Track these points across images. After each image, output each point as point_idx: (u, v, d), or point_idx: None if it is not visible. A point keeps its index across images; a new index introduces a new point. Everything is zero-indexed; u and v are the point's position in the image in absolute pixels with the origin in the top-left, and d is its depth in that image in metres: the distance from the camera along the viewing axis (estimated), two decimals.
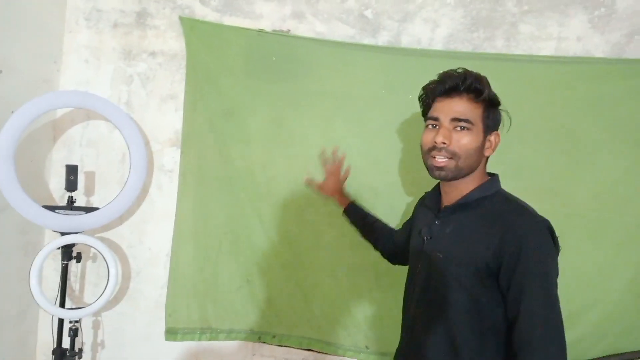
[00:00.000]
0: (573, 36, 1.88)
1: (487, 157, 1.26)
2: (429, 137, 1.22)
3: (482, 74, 1.24)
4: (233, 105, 1.96)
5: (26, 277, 1.83)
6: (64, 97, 1.88)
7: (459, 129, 1.18)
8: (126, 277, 2.07)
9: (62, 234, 1.84)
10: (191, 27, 1.96)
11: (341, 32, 1.96)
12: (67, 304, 1.95)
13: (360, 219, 1.71)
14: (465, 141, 1.18)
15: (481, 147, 1.20)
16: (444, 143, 1.18)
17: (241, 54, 1.95)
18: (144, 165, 1.89)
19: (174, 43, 2.02)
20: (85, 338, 2.07)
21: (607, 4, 1.86)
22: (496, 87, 1.80)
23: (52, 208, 1.83)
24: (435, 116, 1.22)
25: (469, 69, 1.24)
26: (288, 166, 1.94)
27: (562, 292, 1.84)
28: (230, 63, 1.96)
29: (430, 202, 1.35)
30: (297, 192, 1.92)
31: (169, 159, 2.05)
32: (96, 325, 2.09)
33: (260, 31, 1.96)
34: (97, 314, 2.07)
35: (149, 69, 2.04)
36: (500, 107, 1.27)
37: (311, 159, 1.91)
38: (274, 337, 1.99)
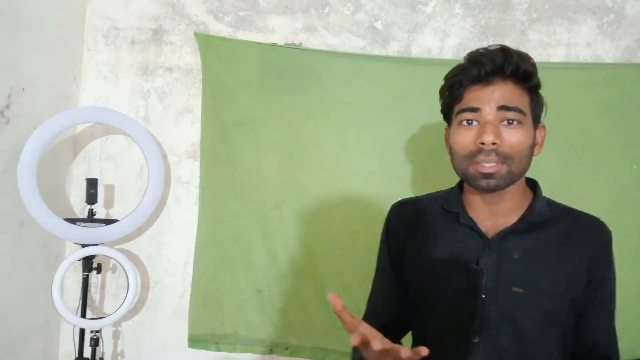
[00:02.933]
0: (582, 42, 1.90)
1: None
2: (467, 138, 0.92)
3: None
4: (247, 116, 2.00)
5: (48, 289, 1.87)
6: (84, 113, 1.94)
7: (506, 123, 0.90)
8: (145, 288, 2.11)
9: (83, 245, 1.89)
10: (206, 43, 2.02)
11: (352, 43, 2.00)
12: (88, 314, 1.99)
13: None
14: (517, 139, 0.90)
15: (533, 145, 0.95)
16: (494, 143, 0.89)
17: (255, 67, 2.00)
18: (162, 178, 1.94)
19: (190, 58, 2.07)
20: (106, 348, 2.10)
21: (616, 10, 1.88)
22: None
23: (73, 221, 1.87)
24: (475, 106, 0.91)
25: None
26: (300, 176, 1.97)
27: None
28: (245, 76, 2.00)
29: (466, 219, 1.00)
30: (309, 201, 1.95)
31: (186, 171, 2.09)
32: (116, 335, 2.12)
33: (273, 45, 2.00)
34: (117, 323, 2.11)
35: (166, 83, 2.09)
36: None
37: (323, 168, 1.94)
38: (286, 349, 1.98)
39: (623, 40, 1.88)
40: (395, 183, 1.92)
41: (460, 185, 1.07)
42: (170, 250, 2.10)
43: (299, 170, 1.97)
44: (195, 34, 2.03)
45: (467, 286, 0.96)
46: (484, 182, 0.91)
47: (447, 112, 1.02)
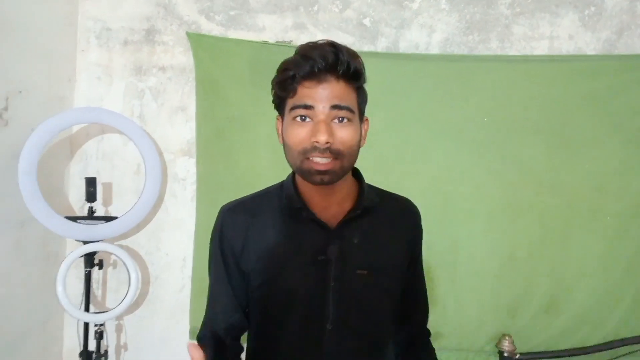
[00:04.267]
0: (565, 35, 1.95)
1: None
2: (301, 134, 0.93)
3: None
4: (240, 114, 2.05)
5: (49, 286, 1.93)
6: (80, 114, 1.98)
7: (337, 121, 0.93)
8: (145, 282, 2.17)
9: (84, 242, 1.94)
10: (198, 42, 2.06)
11: (341, 40, 2.03)
12: (91, 309, 2.04)
13: None
14: (348, 136, 0.93)
15: (360, 140, 0.99)
16: (328, 142, 0.90)
17: (246, 65, 2.04)
18: (159, 175, 1.99)
19: (182, 57, 2.11)
20: (109, 341, 2.16)
21: (596, 3, 1.93)
22: (492, 87, 1.89)
23: (74, 219, 1.92)
24: (309, 104, 0.92)
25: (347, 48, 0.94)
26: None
27: (562, 281, 1.92)
28: (236, 74, 2.05)
29: (308, 213, 1.01)
30: None
31: (182, 168, 2.14)
32: (119, 329, 2.18)
33: (264, 42, 2.05)
34: (119, 317, 2.17)
35: (159, 83, 2.14)
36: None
37: None
38: None
39: (603, 32, 1.94)
40: (385, 177, 1.97)
41: (292, 178, 1.07)
42: (168, 246, 2.16)
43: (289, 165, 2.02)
44: (187, 34, 2.07)
45: (317, 278, 0.99)
46: (318, 178, 0.93)
47: (280, 104, 1.00)
